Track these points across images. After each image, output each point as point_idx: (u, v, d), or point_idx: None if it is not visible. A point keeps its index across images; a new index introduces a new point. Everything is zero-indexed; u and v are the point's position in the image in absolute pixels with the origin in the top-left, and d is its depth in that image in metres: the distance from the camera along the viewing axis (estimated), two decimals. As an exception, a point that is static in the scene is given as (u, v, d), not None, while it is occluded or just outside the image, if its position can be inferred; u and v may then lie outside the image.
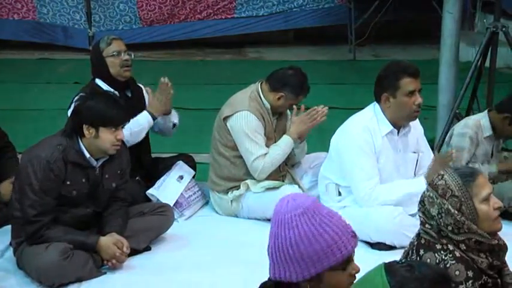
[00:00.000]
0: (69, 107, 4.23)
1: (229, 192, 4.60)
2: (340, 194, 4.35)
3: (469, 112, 5.22)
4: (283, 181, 4.63)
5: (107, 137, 3.76)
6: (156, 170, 4.76)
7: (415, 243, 2.79)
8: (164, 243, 4.26)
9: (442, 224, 2.70)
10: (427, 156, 4.44)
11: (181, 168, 4.76)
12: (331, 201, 4.26)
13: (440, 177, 2.73)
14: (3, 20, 9.00)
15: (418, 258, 2.73)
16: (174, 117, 4.72)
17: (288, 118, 4.74)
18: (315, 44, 9.45)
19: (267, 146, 4.53)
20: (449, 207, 2.67)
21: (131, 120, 4.15)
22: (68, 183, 3.77)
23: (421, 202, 2.78)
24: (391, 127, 4.20)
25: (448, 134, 4.69)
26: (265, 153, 4.48)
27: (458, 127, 4.59)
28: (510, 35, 5.12)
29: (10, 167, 4.50)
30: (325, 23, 9.34)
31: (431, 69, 5.82)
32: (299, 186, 4.61)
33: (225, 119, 4.53)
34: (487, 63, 5.24)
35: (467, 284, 2.64)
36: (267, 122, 4.55)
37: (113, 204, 4.01)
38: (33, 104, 7.00)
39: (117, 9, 9.02)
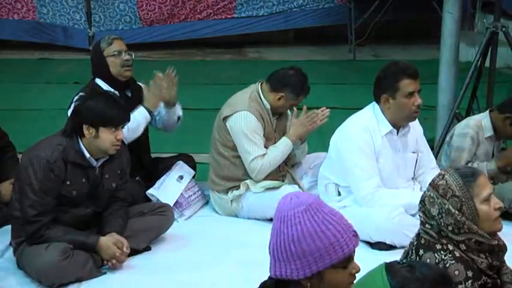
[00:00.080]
0: (69, 107, 4.23)
1: (229, 192, 4.60)
2: (339, 194, 4.36)
3: (469, 112, 5.22)
4: (283, 181, 4.63)
5: (106, 137, 3.76)
6: (156, 170, 4.75)
7: (415, 243, 2.79)
8: (164, 243, 4.26)
9: (442, 224, 2.70)
10: (427, 156, 4.44)
11: (181, 168, 4.76)
12: (330, 201, 4.25)
13: (441, 177, 2.74)
14: (3, 20, 9.01)
15: (417, 258, 2.73)
16: (179, 110, 4.71)
17: (288, 118, 4.74)
18: (315, 44, 9.45)
19: (267, 146, 4.53)
20: (450, 207, 2.68)
21: None
22: (68, 183, 3.77)
23: (422, 202, 2.78)
24: (391, 127, 4.20)
25: (449, 134, 4.69)
26: (264, 154, 4.48)
27: (460, 127, 4.59)
28: (510, 35, 5.12)
29: (10, 167, 4.50)
30: (325, 23, 9.34)
31: (431, 69, 5.82)
32: (299, 186, 4.61)
33: (225, 119, 4.53)
34: (487, 63, 5.24)
35: (467, 283, 2.64)
36: (266, 122, 4.54)
37: (113, 204, 4.01)
38: (33, 104, 7.00)
39: (117, 9, 9.02)
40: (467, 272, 2.65)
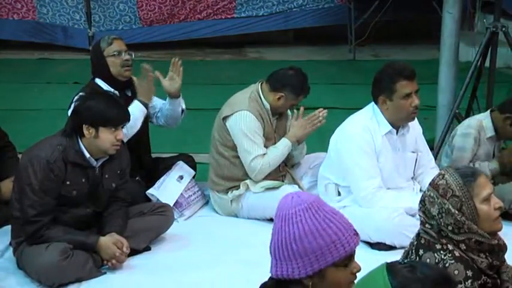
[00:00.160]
0: (69, 107, 4.23)
1: (229, 192, 4.61)
2: (339, 194, 4.36)
3: (468, 112, 5.22)
4: (282, 181, 4.63)
5: (106, 137, 3.76)
6: (156, 170, 4.75)
7: (415, 243, 2.79)
8: (164, 243, 4.26)
9: (442, 223, 2.70)
10: (426, 155, 4.44)
11: (181, 168, 4.76)
12: (330, 201, 4.24)
13: (441, 177, 2.74)
14: (3, 20, 9.01)
15: (417, 258, 2.73)
16: (182, 103, 4.70)
17: (288, 118, 4.74)
18: (314, 44, 9.45)
19: (266, 146, 4.53)
20: (450, 207, 2.68)
21: None
22: (68, 183, 3.77)
23: (422, 202, 2.78)
24: (390, 127, 4.20)
25: (451, 135, 4.68)
26: (263, 154, 4.48)
27: (462, 127, 4.58)
28: (510, 35, 5.12)
29: (11, 167, 4.49)
30: (325, 23, 9.34)
31: (431, 69, 5.83)
32: (299, 187, 4.61)
33: (225, 118, 4.53)
34: (487, 63, 5.24)
35: (466, 283, 2.64)
36: (266, 122, 4.55)
37: (113, 204, 4.01)
38: (33, 104, 7.00)
39: (117, 9, 9.02)
40: (467, 272, 2.65)
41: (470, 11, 7.86)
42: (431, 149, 4.74)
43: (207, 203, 4.85)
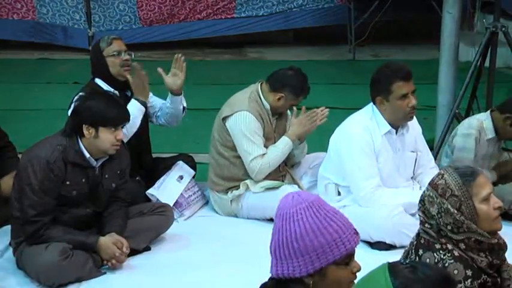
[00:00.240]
0: (69, 107, 4.23)
1: (229, 192, 4.61)
2: (339, 193, 4.36)
3: (468, 112, 5.22)
4: (282, 181, 4.63)
5: (106, 137, 3.76)
6: (156, 170, 4.75)
7: (415, 242, 2.79)
8: (164, 243, 4.26)
9: (441, 223, 2.70)
10: (425, 155, 4.44)
11: (181, 168, 4.76)
12: (330, 201, 4.23)
13: (440, 176, 2.74)
14: (3, 20, 9.01)
15: (417, 258, 2.73)
16: (183, 100, 4.69)
17: (288, 118, 4.74)
18: (314, 44, 9.45)
19: (266, 146, 4.53)
20: (449, 206, 2.68)
21: None
22: (68, 183, 3.77)
23: (421, 201, 2.78)
24: (389, 127, 4.21)
25: (451, 135, 4.68)
26: (263, 154, 4.48)
27: (463, 127, 4.58)
28: (510, 35, 5.12)
29: (10, 167, 4.47)
30: (325, 23, 9.34)
31: (431, 69, 5.83)
32: (299, 186, 4.61)
33: (224, 119, 4.53)
34: (487, 63, 5.24)
35: (466, 282, 2.64)
36: (266, 122, 4.55)
37: (113, 204, 4.01)
38: (33, 104, 7.01)
39: (116, 9, 9.02)
40: (467, 271, 2.65)
41: (470, 11, 7.86)
42: (431, 149, 4.74)
43: (207, 203, 4.85)
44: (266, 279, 2.30)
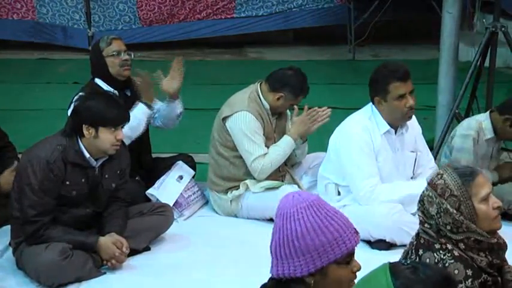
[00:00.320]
0: (69, 107, 4.23)
1: (229, 192, 4.61)
2: (339, 193, 4.36)
3: (468, 112, 5.22)
4: (282, 181, 4.64)
5: (106, 137, 3.76)
6: (156, 170, 4.75)
7: (415, 242, 2.79)
8: (164, 243, 4.26)
9: (441, 223, 2.70)
10: (425, 155, 4.45)
11: (180, 168, 4.76)
12: (330, 201, 4.23)
13: (439, 176, 2.74)
14: (3, 20, 9.01)
15: (417, 258, 2.73)
16: (180, 106, 4.69)
17: (287, 118, 4.74)
18: (314, 44, 9.45)
19: (267, 146, 4.53)
20: (448, 206, 2.68)
21: None
22: (68, 183, 3.77)
23: (420, 201, 2.78)
24: (388, 127, 4.21)
25: (450, 135, 4.68)
26: (265, 154, 4.49)
27: (461, 128, 4.58)
28: (509, 35, 5.12)
29: (10, 166, 4.48)
30: (325, 23, 9.34)
31: (431, 69, 5.82)
32: (299, 186, 4.61)
33: (224, 119, 4.53)
34: (487, 63, 5.24)
35: (467, 282, 2.64)
36: (266, 122, 4.55)
37: (113, 204, 4.01)
38: (33, 104, 7.00)
39: (116, 9, 9.02)
40: (467, 271, 2.65)
41: (469, 10, 7.86)
42: (431, 149, 4.74)
43: (206, 203, 4.85)
44: (266, 279, 2.30)
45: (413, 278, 1.94)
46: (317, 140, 5.18)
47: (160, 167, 4.77)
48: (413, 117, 4.32)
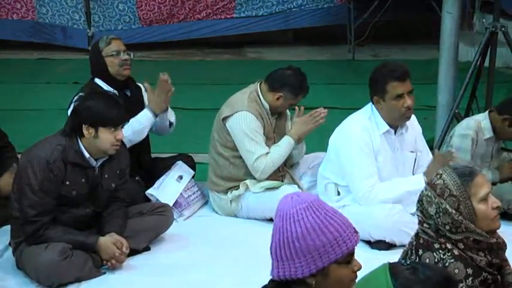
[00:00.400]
0: (69, 107, 4.24)
1: (229, 192, 4.61)
2: (339, 193, 4.36)
3: (468, 112, 5.22)
4: (282, 181, 4.64)
5: (106, 137, 3.76)
6: (156, 170, 4.75)
7: (414, 243, 2.79)
8: (163, 243, 4.26)
9: (440, 223, 2.70)
10: (425, 155, 4.45)
11: (180, 168, 4.76)
12: (330, 201, 4.25)
13: (438, 176, 2.74)
14: (3, 20, 9.00)
15: (417, 258, 2.73)
16: (171, 116, 4.69)
17: (287, 118, 4.74)
18: (314, 44, 9.45)
19: (267, 146, 4.53)
20: (447, 206, 2.68)
21: (133, 119, 4.16)
22: (68, 183, 3.77)
23: (420, 201, 2.78)
24: (388, 127, 4.21)
25: (449, 135, 4.69)
26: (267, 153, 4.48)
27: (460, 128, 4.58)
28: (509, 35, 5.12)
29: (10, 166, 4.48)
30: (325, 23, 9.34)
31: (431, 69, 5.82)
32: (298, 186, 4.61)
33: (224, 119, 4.53)
34: (486, 63, 5.24)
35: (467, 281, 2.64)
36: (266, 122, 4.55)
37: (112, 204, 4.01)
38: (33, 104, 7.00)
39: (116, 9, 9.02)
40: (467, 270, 2.65)
41: (469, 10, 7.86)
42: (431, 148, 4.74)
43: (206, 203, 4.85)
44: (266, 279, 2.30)
45: (413, 279, 1.94)
46: (317, 140, 5.18)
47: (160, 167, 4.77)
48: (414, 117, 4.33)
